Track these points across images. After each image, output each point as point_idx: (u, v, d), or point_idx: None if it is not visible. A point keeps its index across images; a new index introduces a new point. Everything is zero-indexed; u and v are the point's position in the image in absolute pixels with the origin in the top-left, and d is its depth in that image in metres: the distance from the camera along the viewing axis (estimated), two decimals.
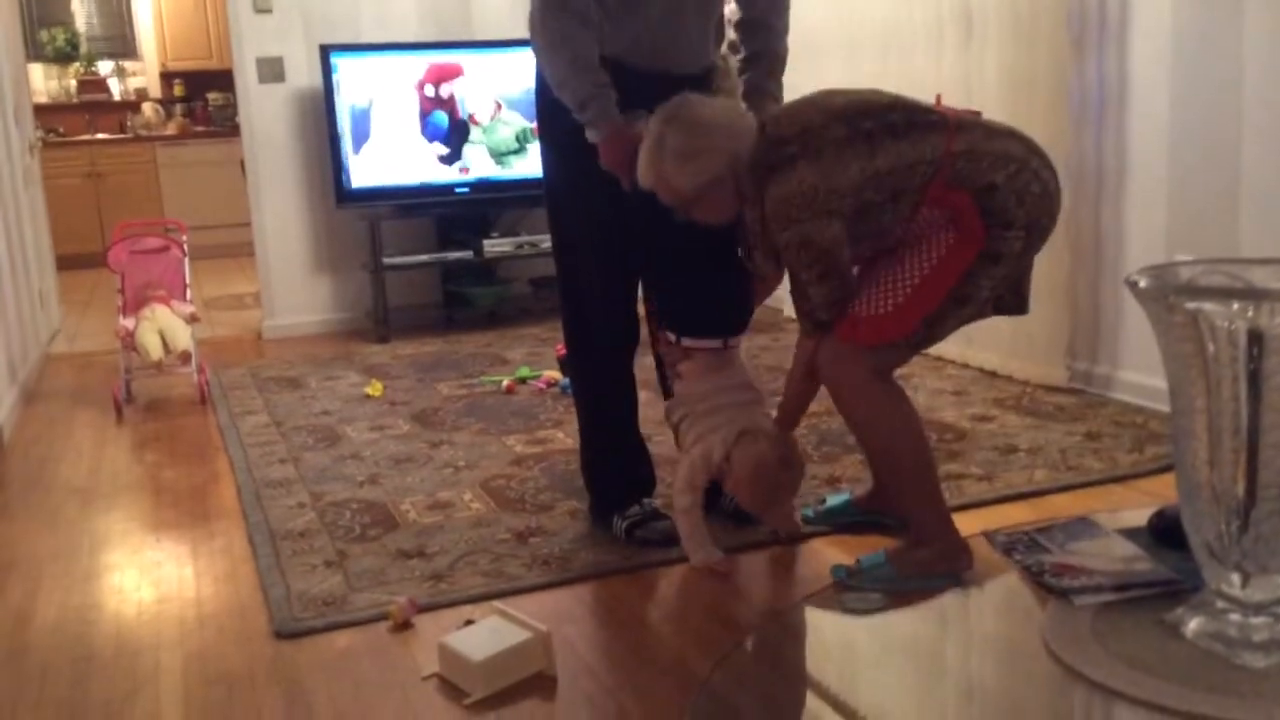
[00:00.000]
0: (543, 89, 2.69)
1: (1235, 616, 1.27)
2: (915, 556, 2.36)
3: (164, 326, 4.45)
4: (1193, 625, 1.29)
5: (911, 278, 2.34)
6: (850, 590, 2.32)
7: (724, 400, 2.71)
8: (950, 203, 2.29)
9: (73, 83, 9.57)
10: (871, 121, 2.29)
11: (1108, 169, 3.76)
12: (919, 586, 2.20)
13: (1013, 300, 2.47)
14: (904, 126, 2.29)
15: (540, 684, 2.15)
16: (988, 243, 2.30)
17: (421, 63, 5.50)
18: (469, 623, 2.30)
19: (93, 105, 9.60)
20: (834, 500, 2.87)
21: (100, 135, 9.41)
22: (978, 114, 2.45)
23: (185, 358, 4.46)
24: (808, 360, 2.49)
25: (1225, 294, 1.22)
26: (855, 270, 2.44)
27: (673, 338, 2.79)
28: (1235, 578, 1.26)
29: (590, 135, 2.56)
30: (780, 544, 2.72)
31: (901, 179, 2.27)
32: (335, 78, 5.39)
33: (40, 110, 8.60)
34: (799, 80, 2.75)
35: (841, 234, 2.29)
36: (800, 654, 1.51)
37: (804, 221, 2.26)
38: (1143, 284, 1.23)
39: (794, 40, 2.84)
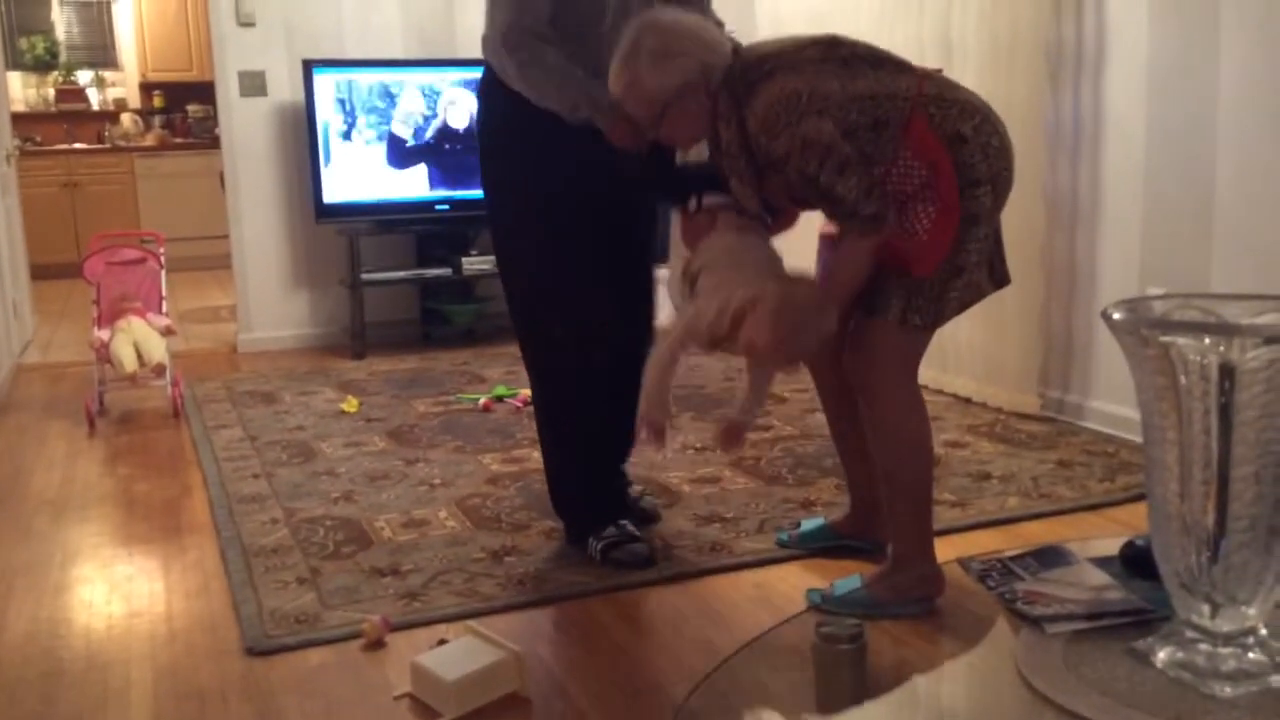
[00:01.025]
0: (490, 102, 2.74)
1: (1204, 646, 1.28)
2: (892, 581, 2.35)
3: (139, 339, 4.43)
4: (1163, 654, 1.31)
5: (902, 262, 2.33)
6: (826, 614, 2.33)
7: (750, 257, 2.43)
8: (930, 150, 2.27)
9: (51, 91, 9.53)
10: (845, 50, 2.32)
11: (1083, 199, 3.81)
12: (894, 613, 2.20)
13: (999, 269, 2.48)
14: (876, 60, 2.33)
15: (513, 705, 2.14)
16: (963, 205, 2.30)
17: (403, 79, 5.51)
18: (442, 642, 2.29)
19: (71, 115, 9.56)
20: (809, 525, 2.88)
21: (78, 145, 9.36)
22: (939, 70, 2.46)
23: (160, 370, 4.43)
24: (833, 379, 2.50)
25: (1198, 329, 1.24)
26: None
27: (692, 205, 2.55)
28: (1205, 608, 1.28)
29: (599, 121, 2.57)
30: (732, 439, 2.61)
31: (881, 108, 2.26)
32: (316, 92, 5.40)
33: (18, 119, 8.55)
34: None
35: (837, 131, 2.22)
36: (776, 680, 1.52)
37: (795, 124, 2.22)
38: (1117, 317, 1.25)
39: None
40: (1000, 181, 2.35)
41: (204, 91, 8.62)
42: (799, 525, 2.90)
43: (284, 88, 5.63)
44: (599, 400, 2.82)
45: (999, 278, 2.49)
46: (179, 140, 9.57)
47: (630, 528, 2.85)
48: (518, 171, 2.74)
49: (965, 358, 4.21)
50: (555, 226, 2.72)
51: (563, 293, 2.75)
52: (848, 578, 2.47)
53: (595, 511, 2.87)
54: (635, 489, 3.11)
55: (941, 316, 2.38)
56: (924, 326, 2.37)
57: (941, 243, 2.32)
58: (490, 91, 2.74)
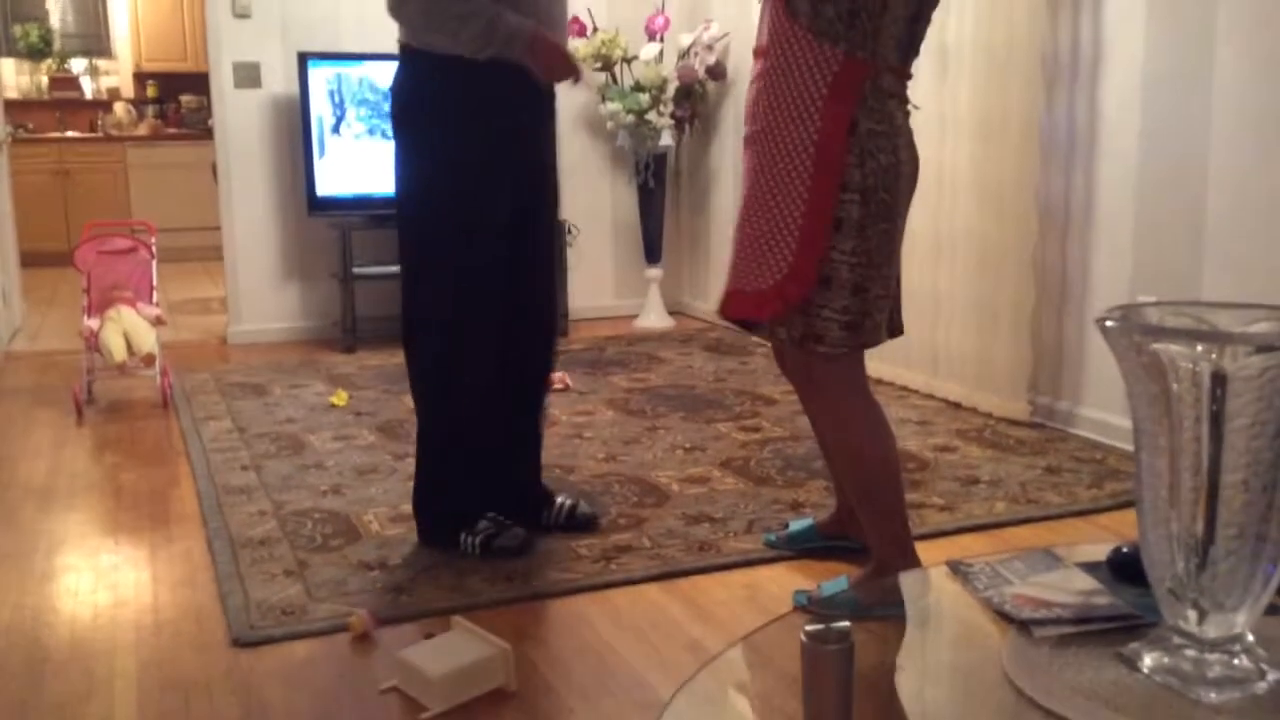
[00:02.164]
0: (405, 85, 2.75)
1: (1191, 652, 1.29)
2: (877, 584, 2.37)
3: (129, 328, 4.42)
4: (1149, 659, 1.31)
5: (790, 233, 2.32)
6: (814, 615, 2.34)
7: None
8: (838, 110, 2.27)
9: (44, 79, 9.50)
10: None
11: (1075, 207, 3.82)
12: (881, 614, 2.20)
13: (894, 318, 2.51)
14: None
15: (499, 700, 2.14)
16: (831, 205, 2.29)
17: None
18: (429, 636, 2.29)
19: (64, 103, 9.53)
20: (797, 525, 2.89)
21: (70, 133, 9.33)
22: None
23: (149, 360, 4.42)
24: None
25: (1191, 336, 1.25)
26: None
27: None
28: (1192, 614, 1.28)
29: (516, 51, 2.60)
30: None
31: (861, 21, 2.27)
32: (310, 85, 5.39)
33: (10, 106, 8.53)
34: None
35: None
36: (763, 681, 1.52)
37: None
38: (1110, 324, 1.25)
39: None
40: (871, 197, 2.30)
41: (198, 82, 8.60)
42: (787, 526, 2.91)
43: (278, 80, 5.62)
44: (486, 382, 2.82)
45: (893, 327, 2.51)
46: (172, 130, 9.56)
47: (499, 517, 2.85)
48: (433, 140, 2.72)
49: (956, 363, 4.23)
50: (468, 198, 2.72)
51: (466, 265, 2.74)
52: (835, 580, 2.49)
53: (467, 505, 2.85)
54: (562, 498, 3.04)
55: (826, 336, 2.35)
56: (827, 348, 2.36)
57: (810, 248, 2.30)
58: (404, 60, 2.75)
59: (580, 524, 2.98)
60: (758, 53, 2.42)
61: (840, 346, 2.36)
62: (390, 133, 2.82)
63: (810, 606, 2.43)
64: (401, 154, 2.78)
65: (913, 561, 2.42)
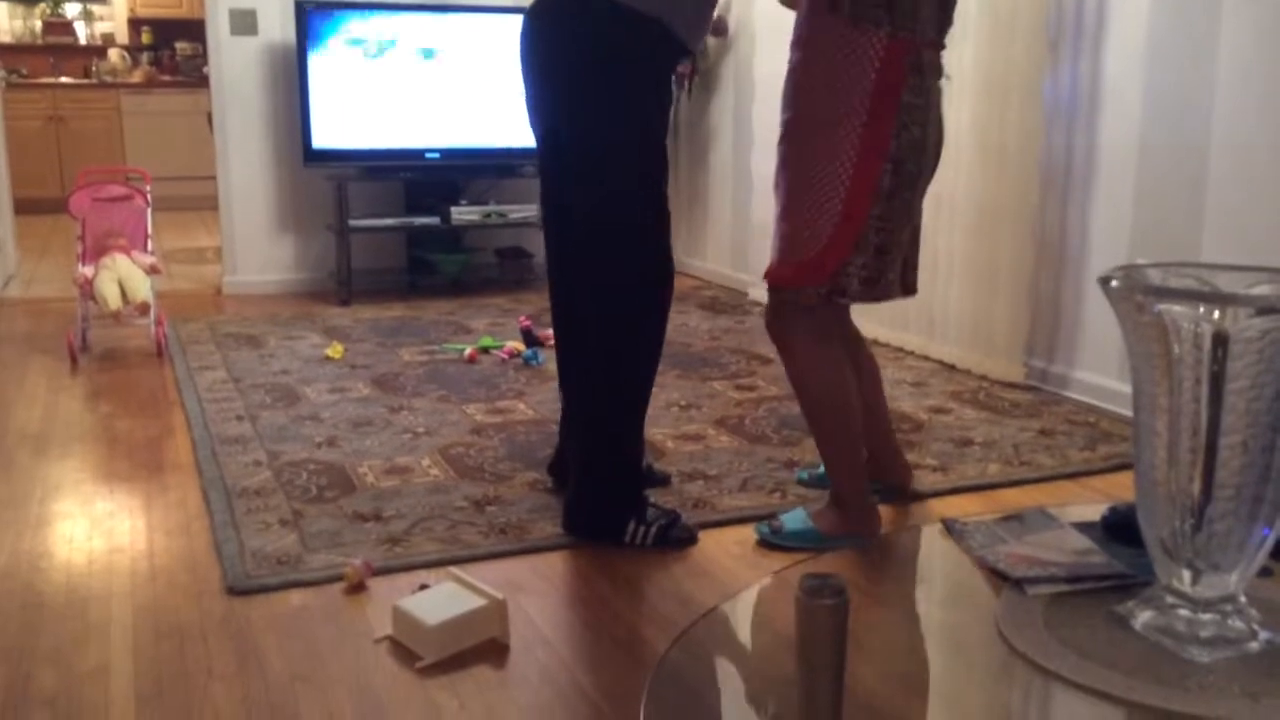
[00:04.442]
0: (601, 28, 2.52)
1: (1184, 612, 1.30)
2: (834, 517, 2.63)
3: (123, 276, 4.40)
4: (1142, 618, 1.32)
5: (833, 209, 2.44)
6: (774, 548, 2.60)
7: None
8: (889, 79, 2.38)
9: (38, 23, 9.40)
10: None
11: (1077, 169, 3.81)
12: (838, 545, 2.32)
13: (909, 276, 2.65)
14: None
15: (493, 651, 2.16)
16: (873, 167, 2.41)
17: (401, 23, 5.46)
18: (424, 587, 2.30)
19: (58, 48, 9.44)
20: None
21: (64, 79, 9.25)
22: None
23: (144, 309, 4.41)
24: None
25: (1193, 297, 1.24)
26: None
27: None
28: (1186, 574, 1.29)
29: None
30: None
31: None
32: (309, 33, 5.34)
33: (3, 50, 8.45)
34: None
35: None
36: (757, 636, 1.53)
37: None
38: (1114, 284, 1.25)
39: (767, 18, 2.86)
40: (901, 168, 2.43)
41: (193, 29, 8.52)
42: (820, 467, 2.96)
43: (275, 27, 5.56)
44: (660, 348, 2.73)
45: (906, 285, 2.66)
46: (166, 78, 9.47)
47: (657, 503, 2.76)
48: (632, 97, 2.58)
49: (952, 325, 4.23)
50: (653, 154, 2.65)
51: (652, 227, 2.64)
52: (792, 511, 2.69)
53: (640, 486, 2.74)
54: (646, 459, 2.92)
55: (848, 290, 2.50)
56: (847, 299, 2.55)
57: (852, 222, 2.44)
58: (599, 11, 2.51)
59: (658, 481, 2.97)
60: (795, 44, 2.52)
61: (859, 299, 2.55)
62: (542, 81, 2.64)
63: (772, 539, 2.63)
64: (589, 108, 2.56)
65: (867, 497, 2.65)
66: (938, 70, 2.49)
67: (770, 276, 2.58)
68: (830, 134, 2.42)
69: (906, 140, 2.41)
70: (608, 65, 2.54)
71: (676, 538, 2.65)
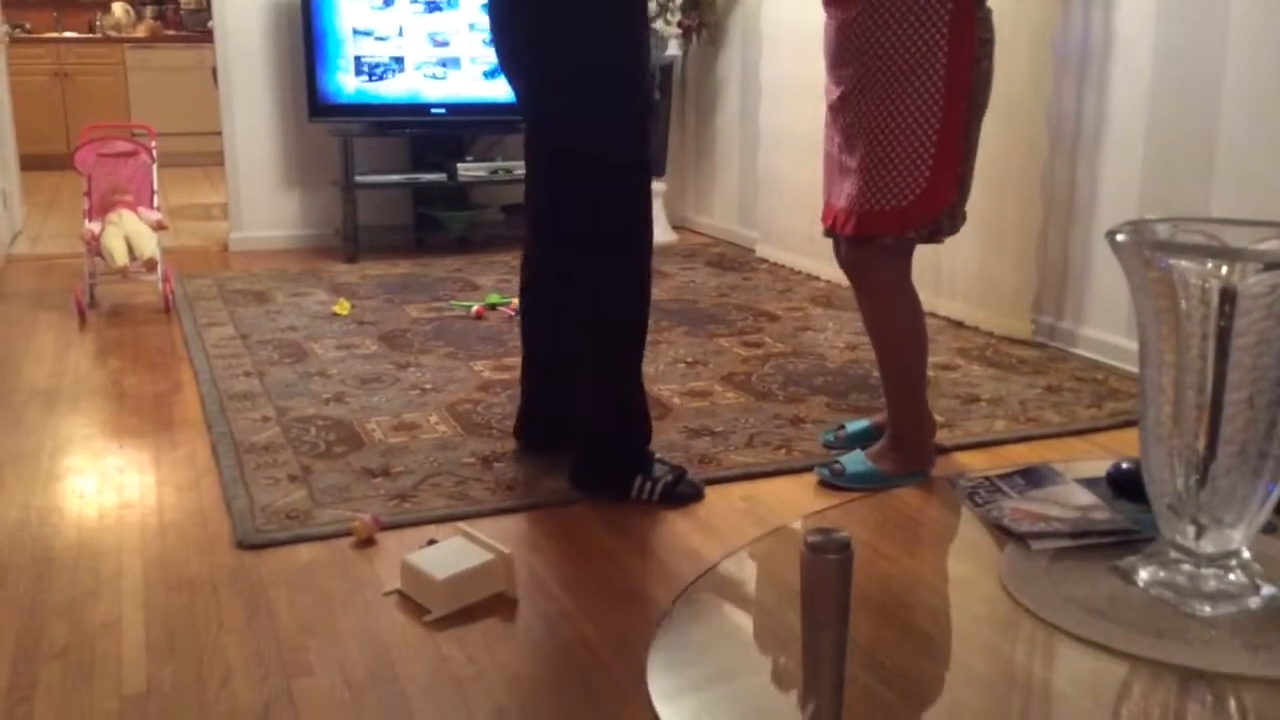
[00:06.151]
0: None
1: (1187, 567, 1.30)
2: (894, 457, 2.70)
3: (130, 232, 4.39)
4: (1145, 573, 1.33)
5: (925, 155, 2.51)
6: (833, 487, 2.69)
7: None
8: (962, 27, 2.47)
9: None
10: None
11: (1086, 124, 3.78)
12: (901, 483, 2.39)
13: (961, 212, 2.68)
14: None
15: (500, 605, 2.17)
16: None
17: None
18: (432, 542, 2.32)
19: (61, 2, 9.37)
20: (854, 426, 3.01)
21: (68, 34, 9.20)
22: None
23: (151, 265, 4.41)
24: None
25: (1201, 252, 1.24)
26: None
27: None
28: (1190, 530, 1.30)
29: None
30: None
31: None
32: None
33: (7, 4, 8.38)
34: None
35: None
36: (762, 591, 1.54)
37: None
38: (1120, 238, 1.24)
39: None
40: (974, 100, 2.53)
41: None
42: (843, 427, 3.01)
43: None
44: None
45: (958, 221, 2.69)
46: (171, 32, 9.41)
47: (662, 458, 2.75)
48: (631, 43, 2.61)
49: (959, 281, 4.21)
50: (645, 102, 2.72)
51: (645, 162, 2.69)
52: (850, 454, 2.76)
53: (646, 441, 2.73)
54: None
55: (942, 227, 2.61)
56: (940, 238, 2.64)
57: (948, 166, 2.52)
58: None
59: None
60: (835, 1, 2.56)
61: (948, 235, 2.64)
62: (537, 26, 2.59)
63: (834, 480, 2.71)
64: (596, 52, 2.55)
65: (930, 434, 2.75)
66: None
67: (860, 226, 2.59)
68: (911, 81, 2.47)
69: (979, 74, 2.52)
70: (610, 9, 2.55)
71: (683, 494, 2.65)
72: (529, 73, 2.67)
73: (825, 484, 2.72)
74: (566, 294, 2.72)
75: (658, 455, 2.74)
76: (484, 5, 2.66)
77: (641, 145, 2.67)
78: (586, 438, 2.70)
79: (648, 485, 2.64)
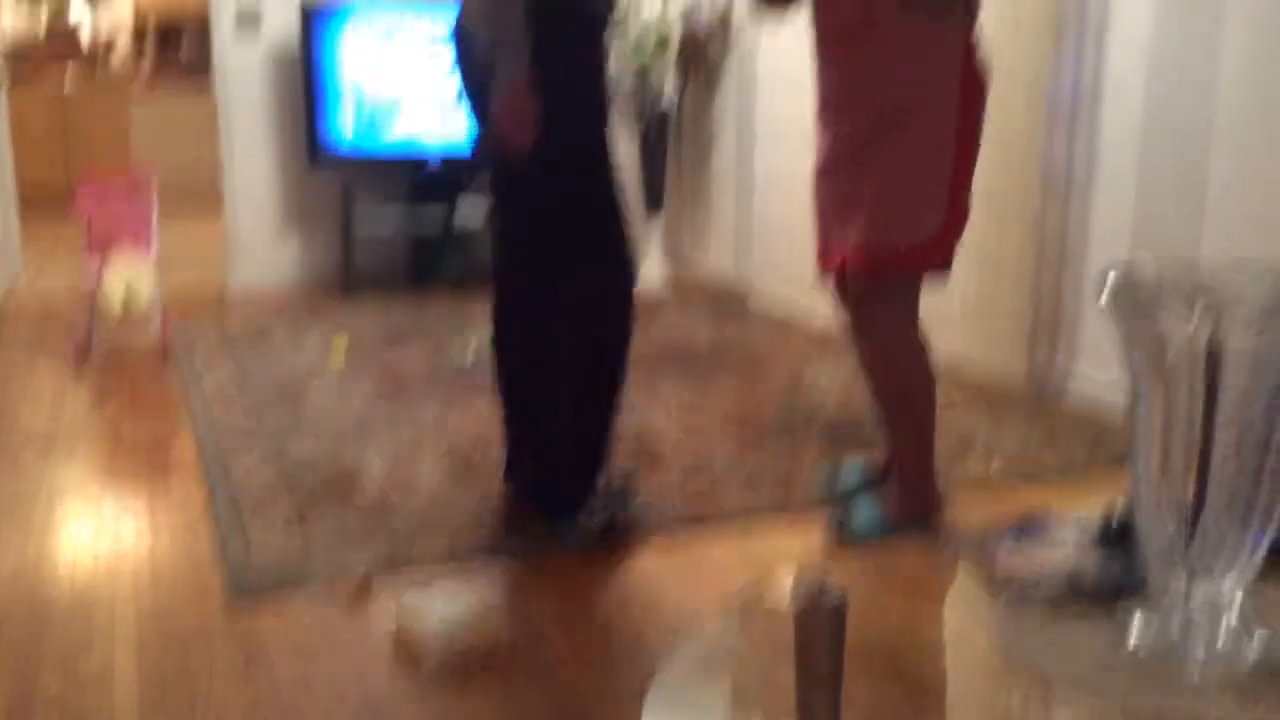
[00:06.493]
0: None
1: (1179, 616, 1.30)
2: (901, 503, 2.65)
3: (128, 277, 4.41)
4: (1138, 624, 1.33)
5: (940, 191, 2.53)
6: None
7: None
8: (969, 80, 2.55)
9: (43, 21, 9.41)
10: None
11: (1078, 165, 3.80)
12: (904, 531, 2.36)
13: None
14: None
15: (496, 653, 2.17)
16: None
17: (407, 21, 5.46)
18: (428, 588, 2.32)
19: (63, 46, 9.44)
20: (848, 476, 2.87)
21: (69, 78, 9.26)
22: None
23: (148, 309, 4.42)
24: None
25: (1186, 303, 1.25)
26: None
27: None
28: (1181, 579, 1.30)
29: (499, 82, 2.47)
30: None
31: None
32: (314, 36, 5.34)
33: (8, 49, 8.45)
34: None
35: None
36: (754, 643, 1.54)
37: None
38: (1107, 291, 1.26)
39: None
40: (980, 126, 2.60)
41: (198, 28, 8.51)
42: (838, 473, 2.90)
43: (280, 29, 5.56)
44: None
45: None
46: (172, 75, 9.48)
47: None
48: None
49: (953, 321, 4.22)
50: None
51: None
52: (858, 502, 2.70)
53: (592, 480, 2.77)
54: None
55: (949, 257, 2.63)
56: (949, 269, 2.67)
57: (960, 203, 2.55)
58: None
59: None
60: (842, 40, 2.54)
61: (951, 261, 2.64)
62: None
63: (841, 535, 2.67)
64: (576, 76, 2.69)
65: (934, 479, 2.68)
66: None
67: (874, 263, 2.58)
68: (929, 117, 2.50)
69: (981, 101, 2.58)
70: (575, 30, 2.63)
71: (620, 532, 2.68)
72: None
73: (837, 539, 2.66)
74: (539, 345, 2.77)
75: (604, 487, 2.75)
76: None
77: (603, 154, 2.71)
78: (549, 455, 2.74)
79: (585, 524, 2.68)
